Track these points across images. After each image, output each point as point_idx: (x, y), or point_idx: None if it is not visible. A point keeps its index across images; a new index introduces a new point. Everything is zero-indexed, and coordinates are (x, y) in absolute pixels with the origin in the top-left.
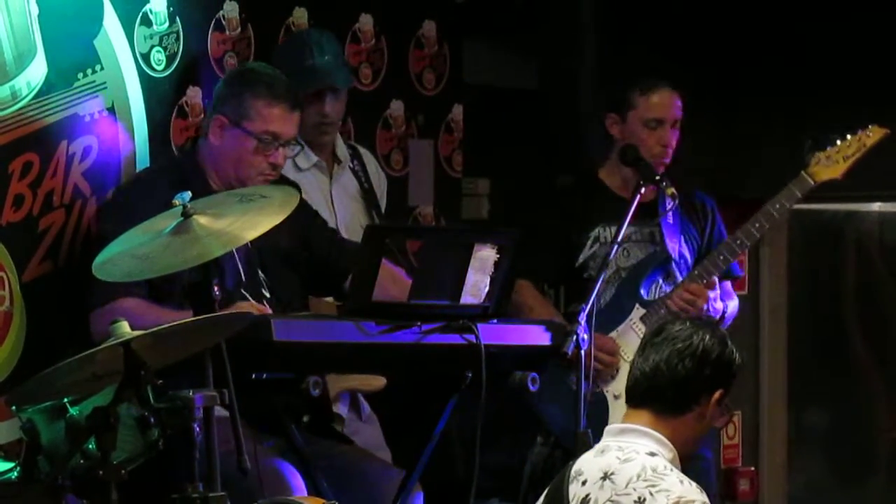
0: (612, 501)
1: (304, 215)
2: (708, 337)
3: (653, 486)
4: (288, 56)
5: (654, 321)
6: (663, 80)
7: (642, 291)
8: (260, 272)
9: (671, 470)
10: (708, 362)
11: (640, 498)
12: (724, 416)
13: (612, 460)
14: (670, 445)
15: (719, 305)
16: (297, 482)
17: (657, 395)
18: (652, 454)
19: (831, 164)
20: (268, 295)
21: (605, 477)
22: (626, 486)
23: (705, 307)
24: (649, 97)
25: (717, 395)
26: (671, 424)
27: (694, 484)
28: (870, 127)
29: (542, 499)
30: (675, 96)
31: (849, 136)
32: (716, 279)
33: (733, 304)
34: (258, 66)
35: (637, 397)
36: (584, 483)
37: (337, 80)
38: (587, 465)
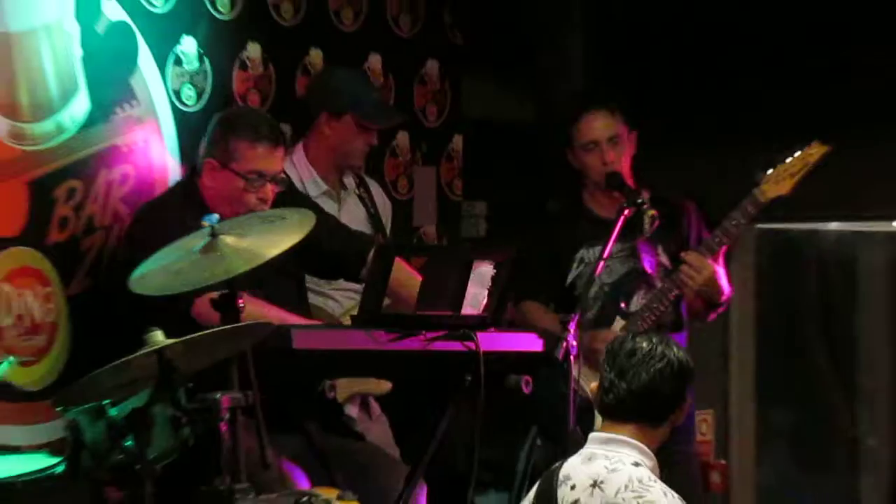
0: None
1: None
2: (676, 350)
3: (640, 496)
4: (352, 86)
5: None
6: (590, 104)
7: (623, 305)
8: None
9: (655, 481)
10: (683, 376)
11: None
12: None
13: (600, 469)
14: (651, 454)
15: (725, 283)
16: (303, 480)
17: (644, 411)
18: (636, 464)
19: (780, 181)
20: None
21: (595, 485)
22: (616, 496)
23: (717, 282)
24: (579, 124)
25: (686, 402)
26: (651, 434)
27: (676, 496)
28: (812, 144)
29: (531, 499)
30: (601, 116)
31: (795, 155)
32: (715, 262)
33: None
34: (241, 109)
35: (623, 413)
36: (572, 488)
37: (397, 119)
38: (574, 471)
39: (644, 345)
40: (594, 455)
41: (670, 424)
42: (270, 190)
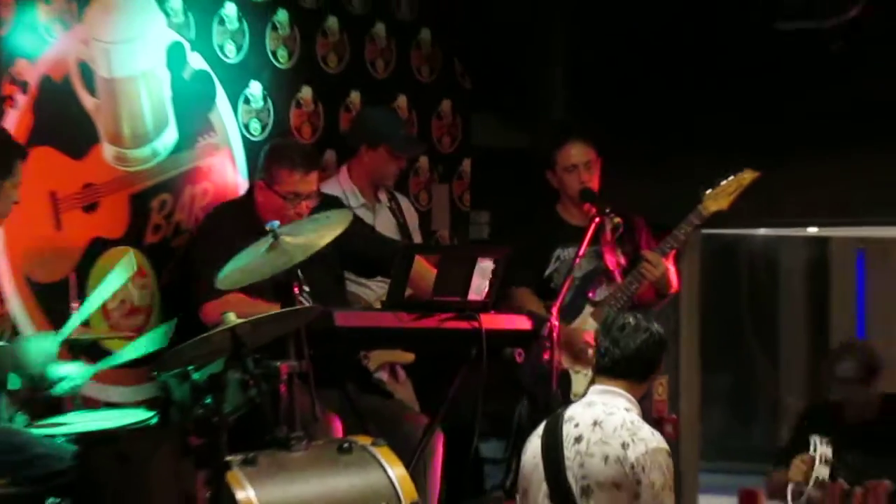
0: (602, 441)
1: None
2: (655, 326)
3: (633, 433)
4: (387, 122)
5: (603, 315)
6: (571, 135)
7: (590, 295)
8: (299, 273)
9: (643, 423)
10: (661, 345)
11: (623, 442)
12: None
13: (599, 412)
14: (637, 404)
15: (674, 279)
16: (338, 427)
17: (633, 371)
18: (627, 410)
19: (719, 199)
20: (307, 289)
21: (596, 424)
22: (613, 433)
23: (669, 278)
24: (561, 151)
25: (661, 366)
26: (636, 389)
27: (658, 434)
28: (745, 170)
29: (539, 435)
30: (578, 144)
31: (730, 178)
32: (668, 260)
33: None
34: (283, 141)
35: (616, 371)
36: (576, 425)
37: (421, 149)
38: (578, 413)
39: (631, 321)
40: (593, 402)
41: (650, 382)
42: (305, 206)
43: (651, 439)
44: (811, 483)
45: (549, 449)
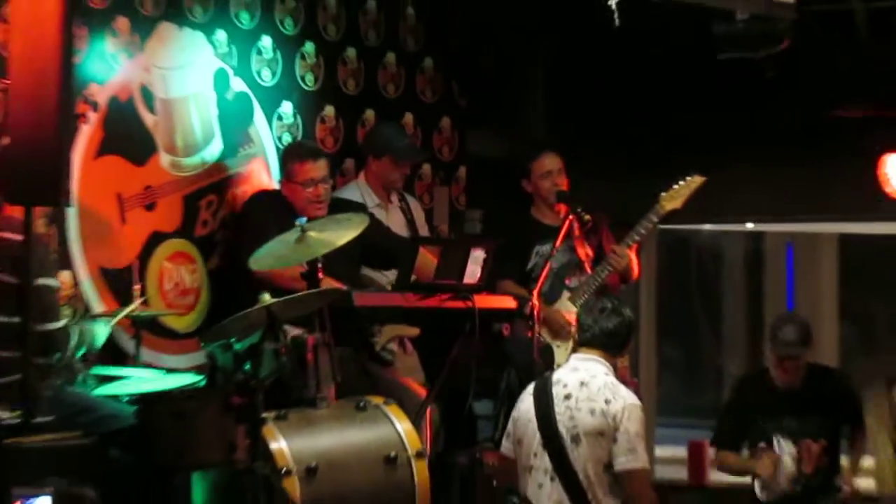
0: (589, 398)
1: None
2: (627, 310)
3: (614, 392)
4: (390, 135)
5: (579, 299)
6: (544, 148)
7: (567, 282)
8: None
9: (621, 385)
10: (631, 326)
11: (606, 399)
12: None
13: (583, 375)
14: (613, 371)
15: (636, 268)
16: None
17: (609, 345)
18: (607, 374)
19: (673, 199)
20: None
21: (583, 384)
22: (598, 391)
23: (632, 266)
24: (538, 161)
25: (630, 342)
26: (611, 360)
27: (634, 394)
28: (695, 176)
29: (530, 395)
30: (552, 155)
31: (681, 182)
32: (631, 251)
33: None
34: (293, 143)
35: (595, 344)
36: (565, 386)
37: (421, 157)
38: (564, 376)
39: (609, 305)
40: (577, 368)
41: (621, 355)
42: (322, 189)
43: (628, 397)
44: (784, 479)
45: (541, 406)
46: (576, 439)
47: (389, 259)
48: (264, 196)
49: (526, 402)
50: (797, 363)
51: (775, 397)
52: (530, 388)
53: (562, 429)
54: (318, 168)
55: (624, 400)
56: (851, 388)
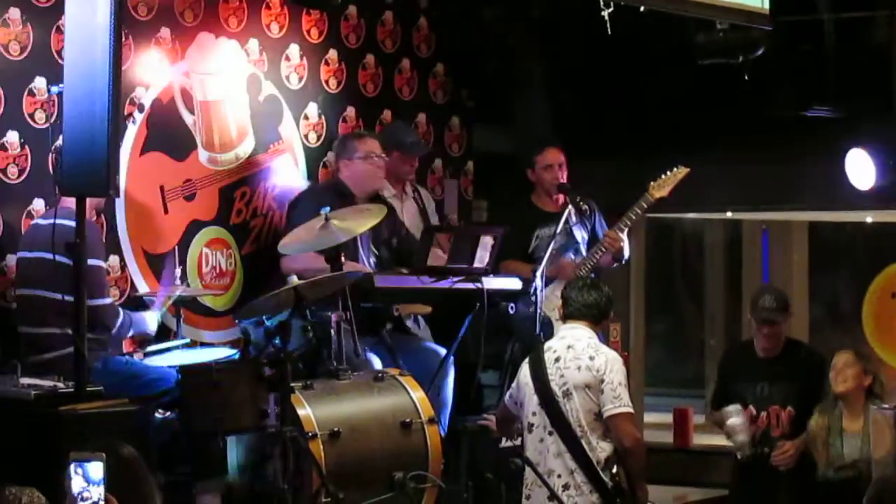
0: (575, 357)
1: (392, 223)
2: (605, 287)
3: (596, 350)
4: (398, 133)
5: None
6: (548, 143)
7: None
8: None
9: (602, 344)
10: (609, 300)
11: (590, 356)
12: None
13: (570, 340)
14: (597, 337)
15: (627, 250)
16: (377, 362)
17: (589, 315)
18: (591, 337)
19: (661, 188)
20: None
21: (569, 347)
22: (582, 351)
23: (623, 248)
24: (542, 155)
25: (610, 314)
26: (595, 329)
27: (615, 351)
28: (679, 167)
29: (525, 365)
30: (554, 149)
31: (668, 172)
32: (624, 235)
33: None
34: (346, 134)
35: (578, 315)
36: (554, 351)
37: (424, 151)
38: (554, 344)
39: (588, 282)
40: (564, 336)
41: (602, 326)
42: (380, 161)
43: (609, 352)
44: (739, 442)
45: (536, 370)
46: (567, 394)
47: (403, 254)
48: (316, 188)
49: (524, 370)
50: (774, 329)
51: (755, 365)
52: (528, 357)
53: (554, 387)
54: (376, 144)
55: (605, 355)
56: (823, 365)
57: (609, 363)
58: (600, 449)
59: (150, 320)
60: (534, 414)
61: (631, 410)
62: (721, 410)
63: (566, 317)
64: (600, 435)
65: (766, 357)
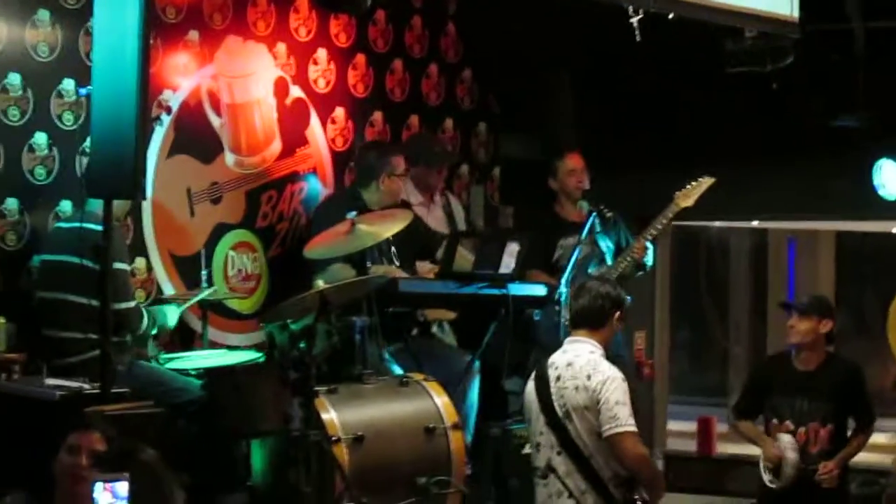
0: (573, 377)
1: (417, 225)
2: (606, 289)
3: (594, 368)
4: (425, 143)
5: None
6: (568, 149)
7: (590, 271)
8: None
9: (603, 360)
10: (611, 300)
11: (588, 375)
12: (621, 325)
13: (570, 356)
14: (600, 347)
15: (651, 259)
16: (396, 369)
17: (587, 321)
18: (591, 352)
19: (686, 198)
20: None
21: (569, 365)
22: (580, 370)
23: (647, 258)
24: (564, 161)
25: (616, 314)
26: (597, 335)
27: (615, 368)
28: (705, 177)
29: (531, 381)
30: (577, 155)
31: (694, 182)
32: (648, 246)
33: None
34: (371, 143)
35: (576, 323)
36: (556, 369)
37: (449, 161)
38: (556, 359)
39: (585, 287)
40: (566, 350)
41: (607, 330)
42: (406, 177)
43: (608, 370)
44: (788, 469)
45: (540, 388)
46: (568, 416)
47: (426, 250)
48: (336, 195)
49: (529, 387)
50: (799, 325)
51: (792, 378)
52: (534, 372)
53: (557, 407)
54: (403, 162)
55: (603, 373)
56: (863, 383)
57: (606, 382)
58: (609, 468)
59: (171, 315)
60: (541, 433)
61: (629, 429)
62: (778, 439)
63: (570, 325)
64: (608, 455)
65: (805, 371)
